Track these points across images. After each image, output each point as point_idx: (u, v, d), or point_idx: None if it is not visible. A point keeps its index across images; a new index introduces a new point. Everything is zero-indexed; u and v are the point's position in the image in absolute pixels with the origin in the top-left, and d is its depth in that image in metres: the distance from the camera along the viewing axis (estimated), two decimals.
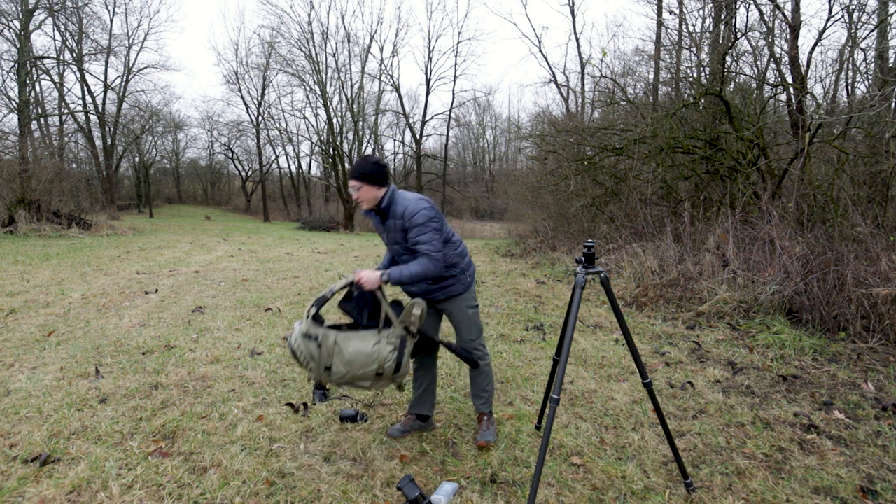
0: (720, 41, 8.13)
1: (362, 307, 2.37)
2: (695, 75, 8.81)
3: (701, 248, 5.93)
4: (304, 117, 31.64)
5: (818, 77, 8.95)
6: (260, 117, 29.53)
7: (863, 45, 7.39)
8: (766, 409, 3.02)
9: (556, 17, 56.85)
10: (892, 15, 6.98)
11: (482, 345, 2.60)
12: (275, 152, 34.91)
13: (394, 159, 37.28)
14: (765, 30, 7.91)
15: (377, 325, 2.31)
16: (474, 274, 2.60)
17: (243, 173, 38.27)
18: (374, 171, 2.33)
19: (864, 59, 7.75)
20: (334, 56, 25.01)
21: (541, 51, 33.00)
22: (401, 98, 29.04)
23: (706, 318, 4.90)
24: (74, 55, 23.16)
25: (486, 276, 7.86)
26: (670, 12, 10.05)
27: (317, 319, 2.28)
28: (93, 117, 24.91)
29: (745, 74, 8.41)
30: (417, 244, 2.32)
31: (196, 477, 2.26)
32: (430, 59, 37.29)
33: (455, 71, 30.79)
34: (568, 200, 9.75)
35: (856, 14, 6.98)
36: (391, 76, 29.18)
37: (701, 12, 9.49)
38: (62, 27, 21.85)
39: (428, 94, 29.14)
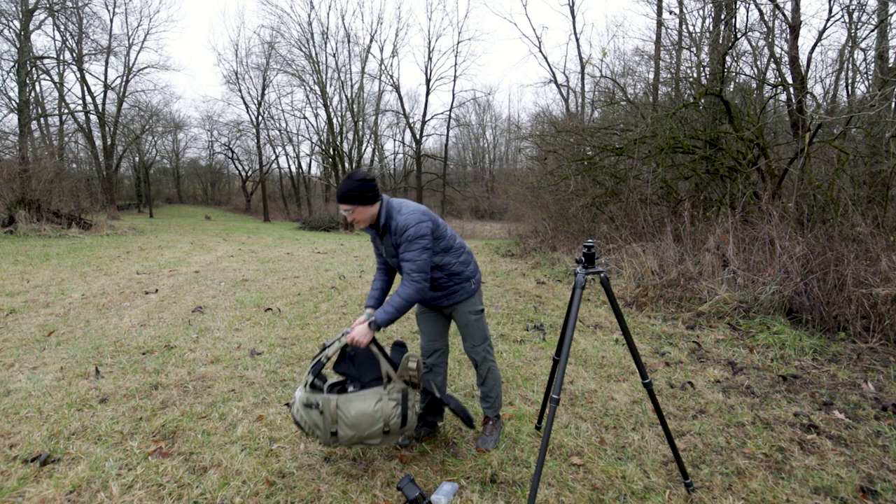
0: (720, 41, 8.13)
1: (359, 363, 2.26)
2: (695, 75, 8.81)
3: (701, 248, 5.93)
4: (304, 117, 31.74)
5: (818, 77, 8.97)
6: (260, 117, 29.56)
7: (863, 45, 7.40)
8: (766, 409, 3.02)
9: (556, 17, 56.92)
10: (892, 15, 6.98)
11: (486, 350, 2.57)
12: (275, 152, 34.98)
13: (394, 159, 37.33)
14: (765, 30, 7.91)
15: (381, 379, 2.22)
16: (480, 280, 2.56)
17: (243, 173, 38.28)
18: (363, 190, 2.18)
19: (864, 59, 7.76)
20: (334, 56, 25.08)
21: (541, 51, 32.98)
22: (401, 98, 29.08)
23: (706, 318, 4.90)
24: (74, 55, 23.18)
25: (486, 276, 7.85)
26: (670, 12, 10.05)
27: (314, 386, 2.21)
28: (93, 117, 24.95)
29: (745, 74, 8.41)
30: (403, 261, 2.22)
31: (196, 477, 2.26)
32: (430, 59, 37.33)
33: (455, 71, 30.84)
34: (568, 200, 9.76)
35: (856, 14, 6.99)
36: (391, 76, 29.33)
37: (701, 12, 9.50)
38: (62, 27, 21.89)
39: (428, 94, 29.15)
